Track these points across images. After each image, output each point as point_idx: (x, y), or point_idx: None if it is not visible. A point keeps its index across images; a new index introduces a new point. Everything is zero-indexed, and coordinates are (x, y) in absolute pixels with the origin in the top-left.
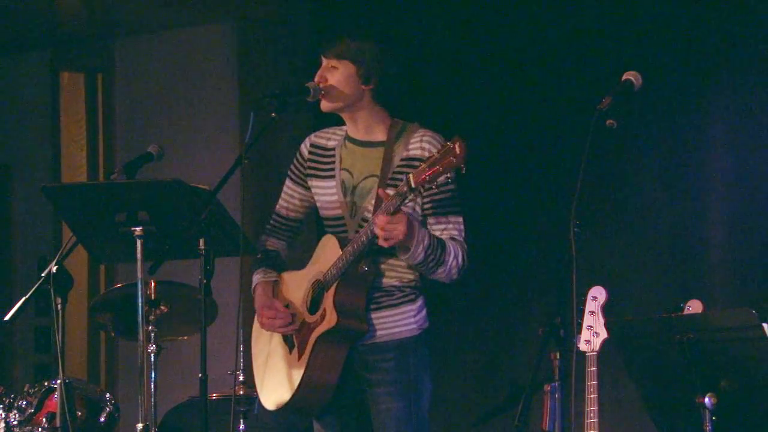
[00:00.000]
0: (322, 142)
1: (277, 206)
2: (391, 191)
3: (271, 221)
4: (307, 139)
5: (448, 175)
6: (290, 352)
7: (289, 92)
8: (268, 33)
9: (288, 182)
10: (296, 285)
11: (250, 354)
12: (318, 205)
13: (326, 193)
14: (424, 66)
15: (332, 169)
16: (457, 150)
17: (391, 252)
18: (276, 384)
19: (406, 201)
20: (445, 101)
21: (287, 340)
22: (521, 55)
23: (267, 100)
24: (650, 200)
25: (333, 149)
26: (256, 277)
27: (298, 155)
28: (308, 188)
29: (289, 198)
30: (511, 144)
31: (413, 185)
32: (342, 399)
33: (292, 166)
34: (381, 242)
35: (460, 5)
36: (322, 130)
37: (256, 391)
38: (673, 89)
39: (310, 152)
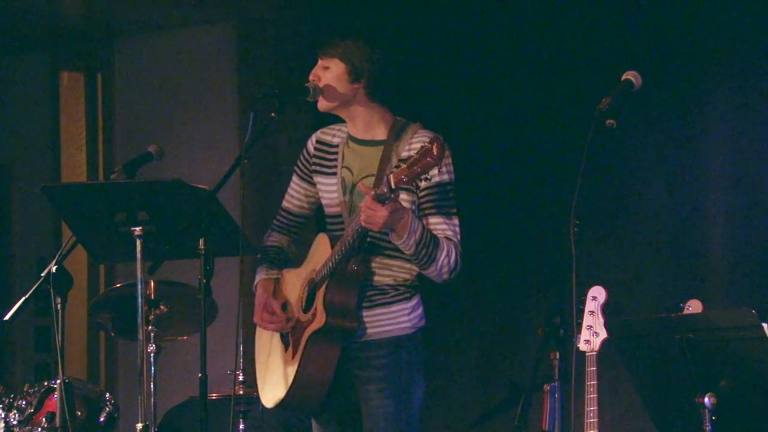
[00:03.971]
0: (328, 138)
1: (284, 202)
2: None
3: (278, 217)
4: (313, 135)
5: (427, 175)
6: (286, 350)
7: (289, 92)
8: (268, 33)
9: (294, 178)
10: (293, 283)
11: (253, 352)
12: (322, 202)
13: (328, 191)
14: (424, 65)
15: (335, 167)
16: (435, 151)
17: (386, 251)
18: (273, 382)
19: (391, 200)
20: (444, 101)
21: (284, 338)
22: (521, 56)
23: (267, 100)
24: (650, 200)
25: (337, 146)
26: (259, 275)
27: (304, 151)
28: (313, 184)
29: (295, 194)
30: (511, 144)
31: (393, 186)
32: (338, 398)
33: (298, 162)
34: (362, 222)
35: (460, 5)
36: (329, 126)
37: (257, 389)
38: (673, 89)
39: (315, 148)
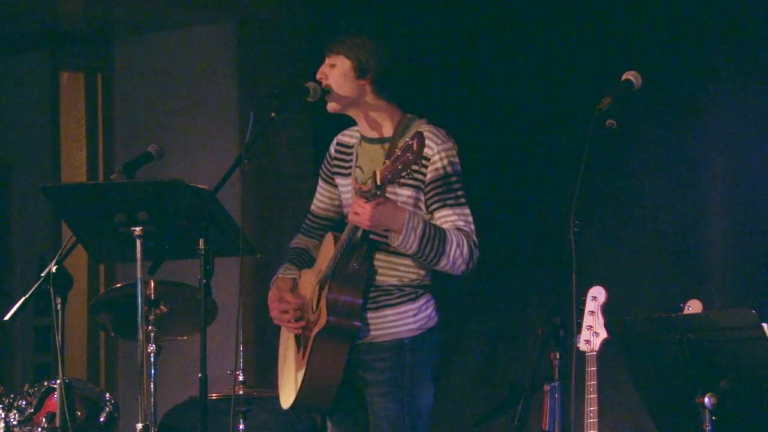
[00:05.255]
0: (346, 140)
1: (311, 205)
2: (367, 185)
3: (306, 220)
4: (334, 138)
5: (409, 169)
6: (298, 352)
7: (289, 92)
8: (268, 33)
9: (319, 181)
10: (308, 283)
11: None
12: (343, 203)
13: (346, 191)
14: (425, 64)
15: (351, 167)
16: (415, 147)
17: (391, 250)
18: (288, 384)
19: (377, 197)
20: (445, 101)
21: (298, 341)
22: (521, 55)
23: (267, 100)
24: (650, 200)
25: (353, 147)
26: (278, 273)
27: (326, 154)
28: (336, 186)
29: (320, 197)
30: (511, 143)
31: (378, 182)
32: (351, 398)
33: (322, 165)
34: (350, 219)
35: (462, 4)
36: (349, 128)
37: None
38: (673, 89)
39: (336, 150)
